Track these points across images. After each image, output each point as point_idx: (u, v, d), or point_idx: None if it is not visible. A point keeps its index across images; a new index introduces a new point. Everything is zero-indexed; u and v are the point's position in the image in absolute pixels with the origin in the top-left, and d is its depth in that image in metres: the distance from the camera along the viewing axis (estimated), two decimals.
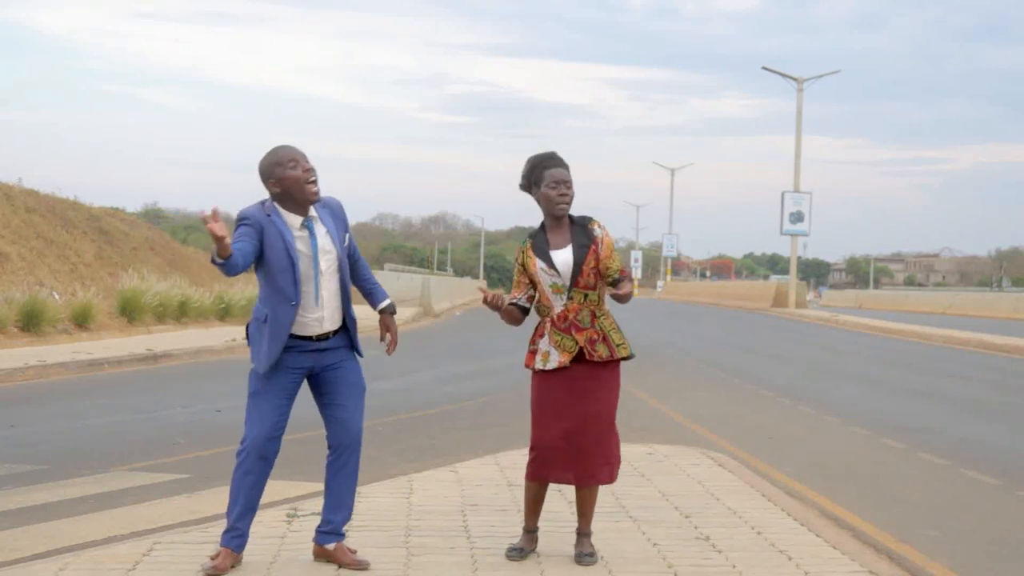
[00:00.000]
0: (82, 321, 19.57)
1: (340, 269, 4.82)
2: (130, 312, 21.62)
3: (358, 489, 6.37)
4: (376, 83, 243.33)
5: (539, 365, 4.97)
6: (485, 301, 4.89)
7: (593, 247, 4.95)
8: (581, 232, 4.99)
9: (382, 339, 5.05)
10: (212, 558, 4.70)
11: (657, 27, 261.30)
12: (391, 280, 42.58)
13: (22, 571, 4.74)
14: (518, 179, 5.09)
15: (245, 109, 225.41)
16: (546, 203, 4.99)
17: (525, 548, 5.05)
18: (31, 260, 22.09)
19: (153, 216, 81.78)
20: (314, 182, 4.71)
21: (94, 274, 24.12)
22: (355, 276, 5.03)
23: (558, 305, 4.96)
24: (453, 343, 23.04)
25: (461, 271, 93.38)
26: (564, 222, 5.03)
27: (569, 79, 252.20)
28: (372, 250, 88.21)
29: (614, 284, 4.92)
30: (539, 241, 5.02)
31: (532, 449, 4.99)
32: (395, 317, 5.09)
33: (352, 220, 5.11)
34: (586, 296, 4.95)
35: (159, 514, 6.27)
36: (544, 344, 4.97)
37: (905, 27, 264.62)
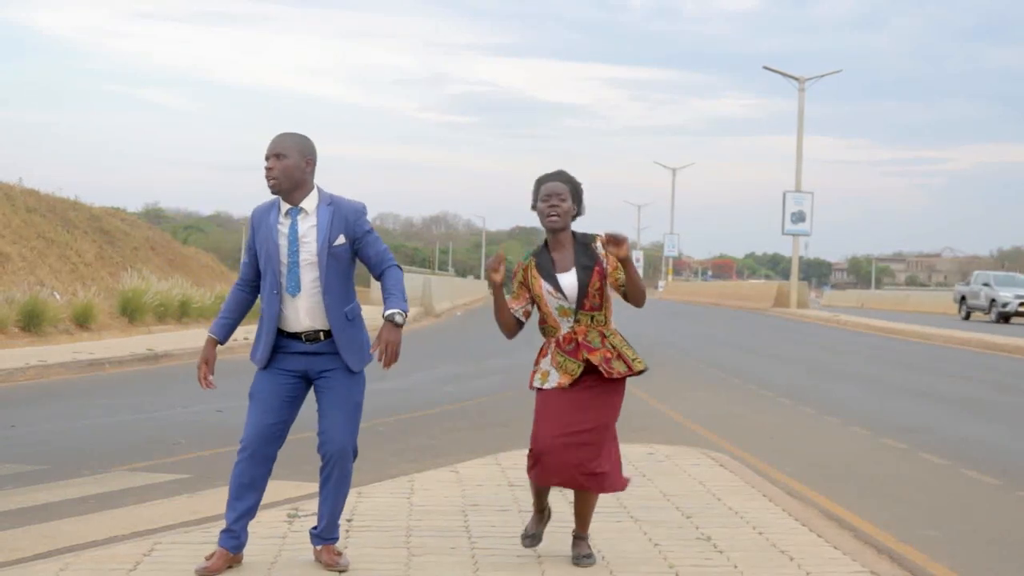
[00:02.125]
0: (83, 321, 19.58)
1: (319, 267, 4.65)
2: (131, 312, 21.63)
3: (359, 489, 6.40)
4: (376, 83, 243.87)
5: (537, 384, 4.91)
6: (490, 267, 4.78)
7: (597, 268, 4.83)
8: (583, 252, 4.87)
9: (372, 349, 4.69)
10: (207, 558, 4.70)
11: (657, 27, 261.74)
12: None
13: (22, 571, 4.74)
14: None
15: (245, 109, 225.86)
16: (540, 217, 4.92)
17: (537, 532, 5.07)
18: (32, 260, 22.09)
19: (154, 216, 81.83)
20: (267, 173, 4.67)
21: (95, 274, 24.14)
22: (381, 282, 4.78)
23: (565, 327, 4.87)
24: (454, 343, 23.03)
25: (462, 271, 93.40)
26: (566, 239, 4.92)
27: (569, 79, 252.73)
28: None
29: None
30: (543, 261, 4.88)
31: (530, 454, 4.95)
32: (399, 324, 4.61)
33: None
34: (592, 317, 4.86)
35: (160, 514, 6.27)
36: (545, 364, 4.90)
37: (905, 27, 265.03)
